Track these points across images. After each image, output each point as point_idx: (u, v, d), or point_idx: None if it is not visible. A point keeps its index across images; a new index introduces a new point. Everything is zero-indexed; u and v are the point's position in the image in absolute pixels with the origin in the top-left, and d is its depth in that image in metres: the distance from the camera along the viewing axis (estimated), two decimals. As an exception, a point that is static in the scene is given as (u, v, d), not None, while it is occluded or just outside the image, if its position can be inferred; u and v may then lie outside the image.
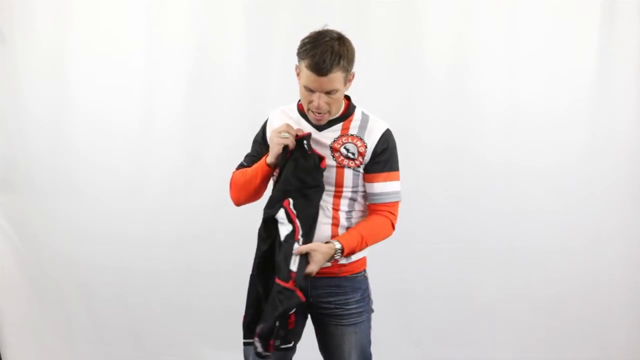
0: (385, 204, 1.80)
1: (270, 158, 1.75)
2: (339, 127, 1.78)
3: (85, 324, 2.88)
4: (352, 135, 1.77)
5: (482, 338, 2.87)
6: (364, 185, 1.82)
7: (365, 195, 1.83)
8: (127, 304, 2.87)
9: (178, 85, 2.80)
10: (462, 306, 2.86)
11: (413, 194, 2.81)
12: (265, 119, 1.89)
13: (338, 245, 1.70)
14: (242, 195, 1.87)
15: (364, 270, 1.87)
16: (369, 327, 1.88)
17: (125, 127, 2.82)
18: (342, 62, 1.65)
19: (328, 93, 1.68)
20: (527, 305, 2.85)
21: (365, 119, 1.81)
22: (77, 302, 2.88)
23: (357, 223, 1.81)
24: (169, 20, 2.78)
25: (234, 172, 1.91)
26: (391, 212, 1.81)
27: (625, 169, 2.79)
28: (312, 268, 1.66)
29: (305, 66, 1.66)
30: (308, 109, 1.74)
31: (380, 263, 2.84)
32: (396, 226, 1.86)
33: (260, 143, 1.88)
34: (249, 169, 1.84)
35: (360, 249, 1.77)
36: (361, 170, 1.78)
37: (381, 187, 1.79)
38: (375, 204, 1.80)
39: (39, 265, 2.86)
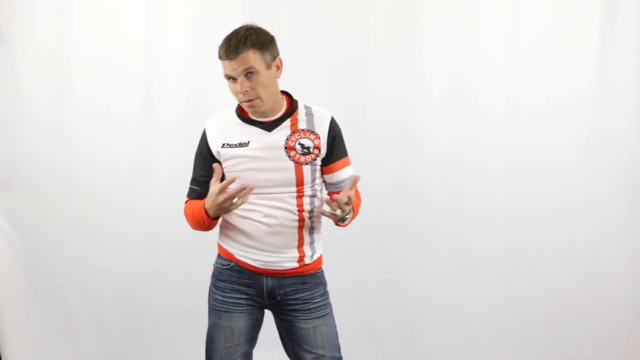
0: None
1: (212, 213, 1.71)
2: (287, 123, 1.76)
3: (85, 324, 2.88)
4: (303, 130, 1.76)
5: (482, 339, 2.87)
6: (320, 177, 1.82)
7: (322, 188, 1.84)
8: (127, 303, 2.86)
9: (178, 84, 2.80)
10: (461, 308, 2.86)
11: (413, 194, 2.82)
12: (203, 132, 1.83)
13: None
14: (199, 229, 1.86)
15: (322, 267, 1.90)
16: (334, 318, 1.90)
17: (126, 127, 2.81)
18: (248, 42, 1.65)
19: (248, 77, 1.67)
20: (527, 306, 2.85)
21: (309, 111, 1.80)
22: (77, 302, 2.87)
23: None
24: (170, 19, 2.78)
25: (185, 203, 1.89)
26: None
27: (626, 168, 2.79)
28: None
29: (219, 58, 1.68)
30: (241, 102, 1.73)
31: (378, 265, 2.86)
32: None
33: (205, 158, 1.80)
34: (196, 208, 1.77)
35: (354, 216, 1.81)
36: (318, 162, 1.77)
37: (345, 172, 1.82)
38: (340, 191, 1.76)
39: (39, 265, 2.85)
